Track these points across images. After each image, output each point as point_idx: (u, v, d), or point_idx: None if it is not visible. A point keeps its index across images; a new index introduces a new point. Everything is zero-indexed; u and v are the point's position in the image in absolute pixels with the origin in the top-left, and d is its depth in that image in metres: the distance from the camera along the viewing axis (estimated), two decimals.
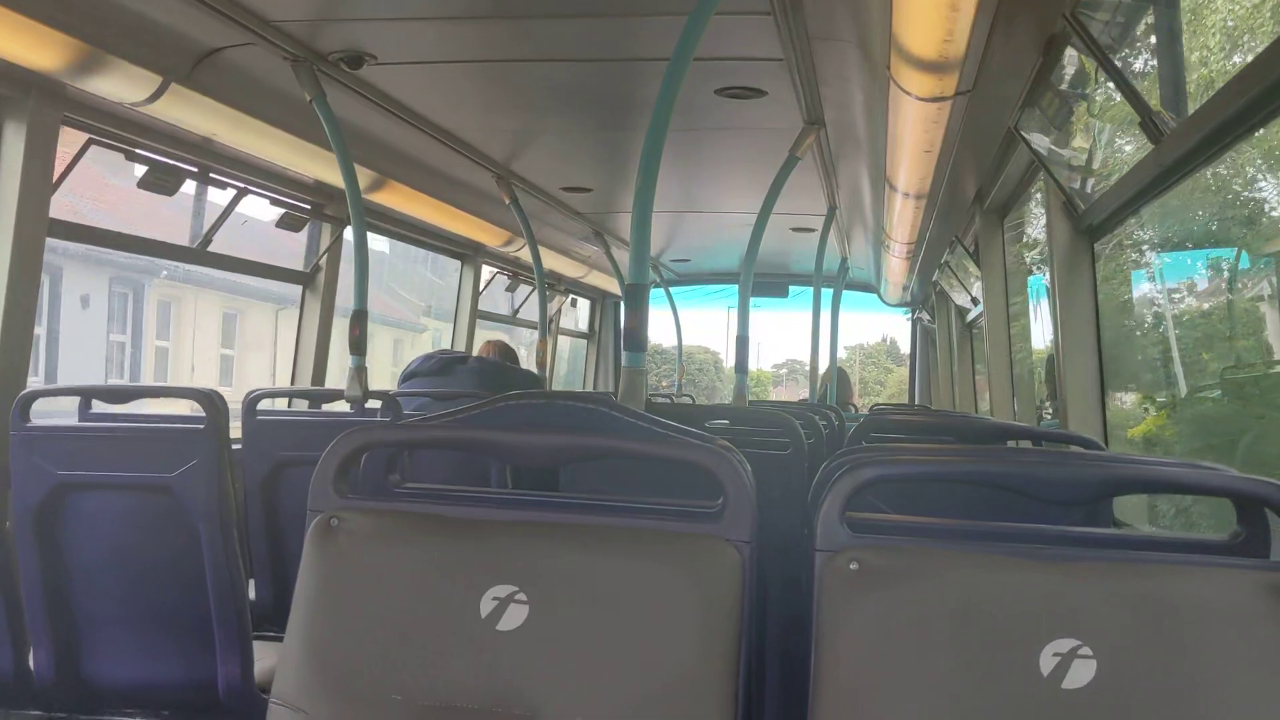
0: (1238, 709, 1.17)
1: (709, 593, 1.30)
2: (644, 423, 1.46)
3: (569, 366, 10.52)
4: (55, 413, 3.14)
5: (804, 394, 7.02)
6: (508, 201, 5.42)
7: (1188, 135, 2.13)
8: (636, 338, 2.53)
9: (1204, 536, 1.35)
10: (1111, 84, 2.40)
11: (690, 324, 10.51)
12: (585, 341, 10.25)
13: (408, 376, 4.57)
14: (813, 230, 6.37)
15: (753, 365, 4.64)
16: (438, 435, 1.49)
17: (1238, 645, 1.19)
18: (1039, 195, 4.08)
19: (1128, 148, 2.77)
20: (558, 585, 1.32)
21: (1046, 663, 1.20)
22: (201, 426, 2.59)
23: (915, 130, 3.40)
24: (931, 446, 1.57)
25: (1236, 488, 1.30)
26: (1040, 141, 3.16)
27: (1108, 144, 2.99)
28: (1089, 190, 3.09)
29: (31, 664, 2.68)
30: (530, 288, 7.88)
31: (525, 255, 6.53)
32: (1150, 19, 2.40)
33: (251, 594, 3.30)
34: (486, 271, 7.25)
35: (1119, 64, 2.38)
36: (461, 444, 1.47)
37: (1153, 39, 2.35)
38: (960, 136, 3.51)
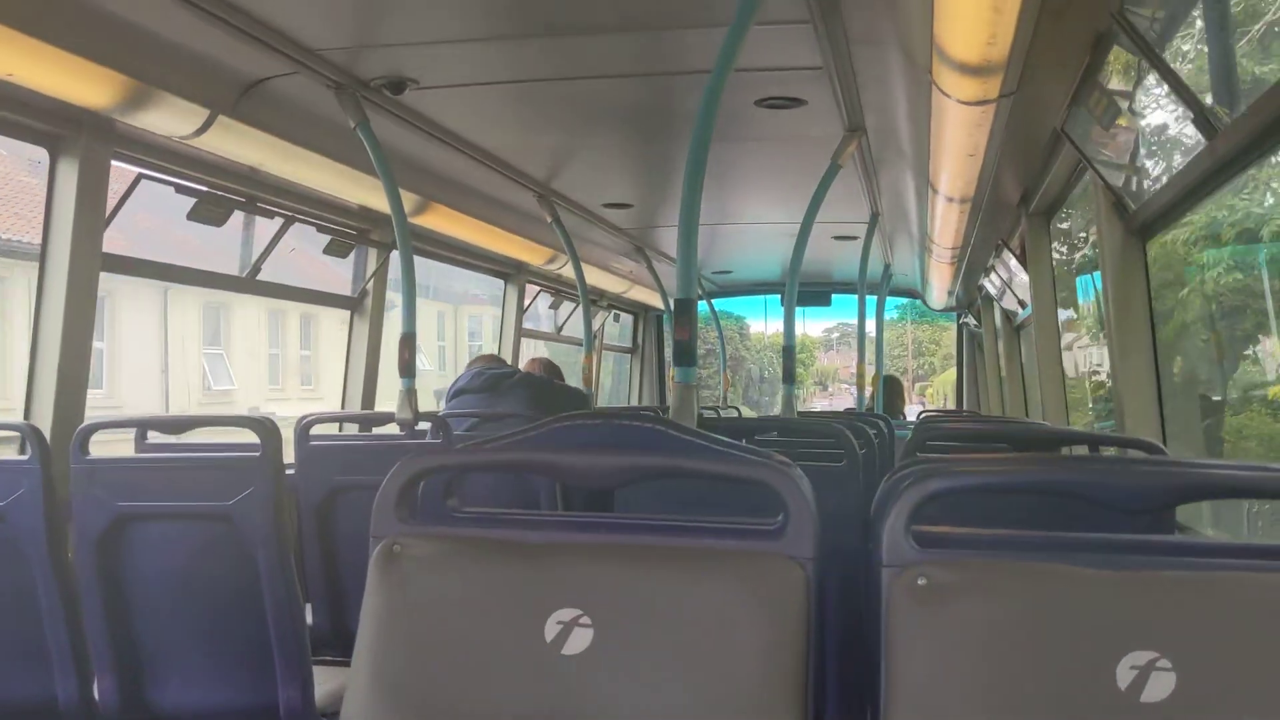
0: None
1: (774, 612, 1.28)
2: (700, 440, 1.46)
3: (613, 381, 10.53)
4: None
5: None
6: (549, 220, 5.44)
7: (1242, 130, 2.09)
8: (686, 352, 2.53)
9: None
10: (1162, 81, 2.36)
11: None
12: (628, 356, 10.27)
13: (456, 394, 4.59)
14: (855, 239, 6.34)
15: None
16: (498, 459, 1.49)
17: None
18: (1086, 194, 4.02)
19: (1182, 143, 2.71)
20: (621, 608, 1.32)
21: (1124, 675, 1.17)
22: (257, 455, 2.62)
23: (958, 134, 3.36)
24: (993, 457, 1.55)
25: None
26: (1088, 142, 3.12)
27: (1159, 142, 2.95)
28: (1139, 189, 3.04)
29: (96, 693, 2.71)
30: (574, 304, 7.90)
31: (567, 272, 6.55)
32: (1199, 13, 2.36)
33: (309, 619, 3.32)
34: (530, 289, 7.29)
35: (1169, 60, 2.34)
36: (521, 466, 1.48)
37: (1203, 33, 2.32)
38: (1004, 139, 3.47)
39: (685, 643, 1.28)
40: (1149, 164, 2.99)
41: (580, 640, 1.31)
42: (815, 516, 1.33)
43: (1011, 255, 5.56)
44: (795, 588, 1.29)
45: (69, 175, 3.29)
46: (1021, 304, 6.23)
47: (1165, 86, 2.37)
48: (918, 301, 10.37)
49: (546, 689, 1.30)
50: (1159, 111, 2.76)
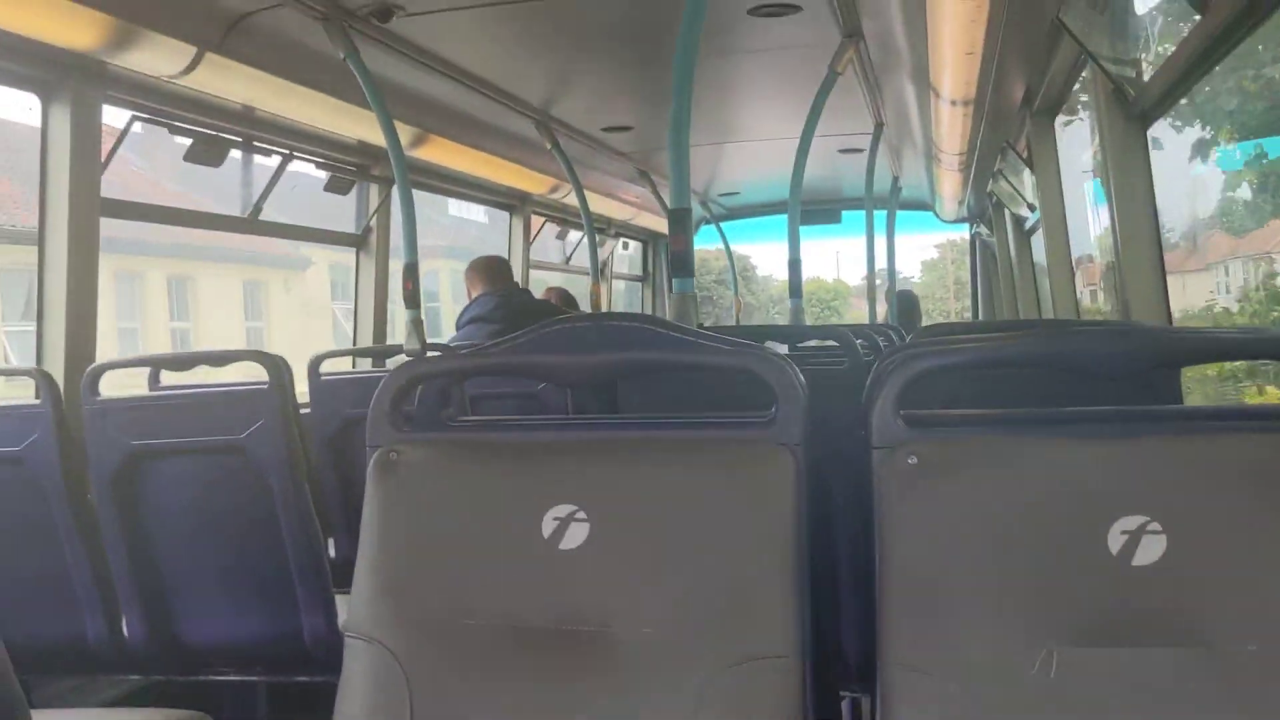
0: None
1: (764, 496, 1.29)
2: (691, 337, 1.46)
3: (626, 309, 10.52)
4: None
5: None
6: (549, 147, 5.40)
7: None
8: (683, 262, 2.52)
9: (1272, 405, 1.32)
10: None
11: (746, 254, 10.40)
12: (640, 285, 10.25)
13: (468, 321, 4.47)
14: (860, 151, 6.27)
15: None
16: (489, 362, 1.50)
17: None
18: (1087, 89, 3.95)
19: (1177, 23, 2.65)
20: (616, 501, 1.33)
21: (1115, 541, 1.18)
22: (266, 387, 2.64)
23: (956, 31, 3.31)
24: (984, 337, 1.55)
25: None
26: (1086, 30, 3.06)
27: (1155, 24, 2.89)
28: (1137, 76, 2.99)
29: (125, 630, 2.76)
30: (581, 233, 7.87)
31: (573, 200, 6.51)
32: None
33: (330, 551, 3.36)
34: (536, 221, 7.25)
35: None
36: (512, 369, 1.48)
37: None
38: (1003, 33, 3.41)
39: (678, 530, 1.30)
40: (1146, 48, 2.93)
41: (577, 535, 1.32)
42: (805, 402, 1.34)
43: (1019, 158, 5.50)
44: (784, 471, 1.30)
45: (61, 120, 3.28)
46: (1031, 207, 6.17)
47: None
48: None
49: (544, 584, 1.31)
50: None
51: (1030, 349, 1.34)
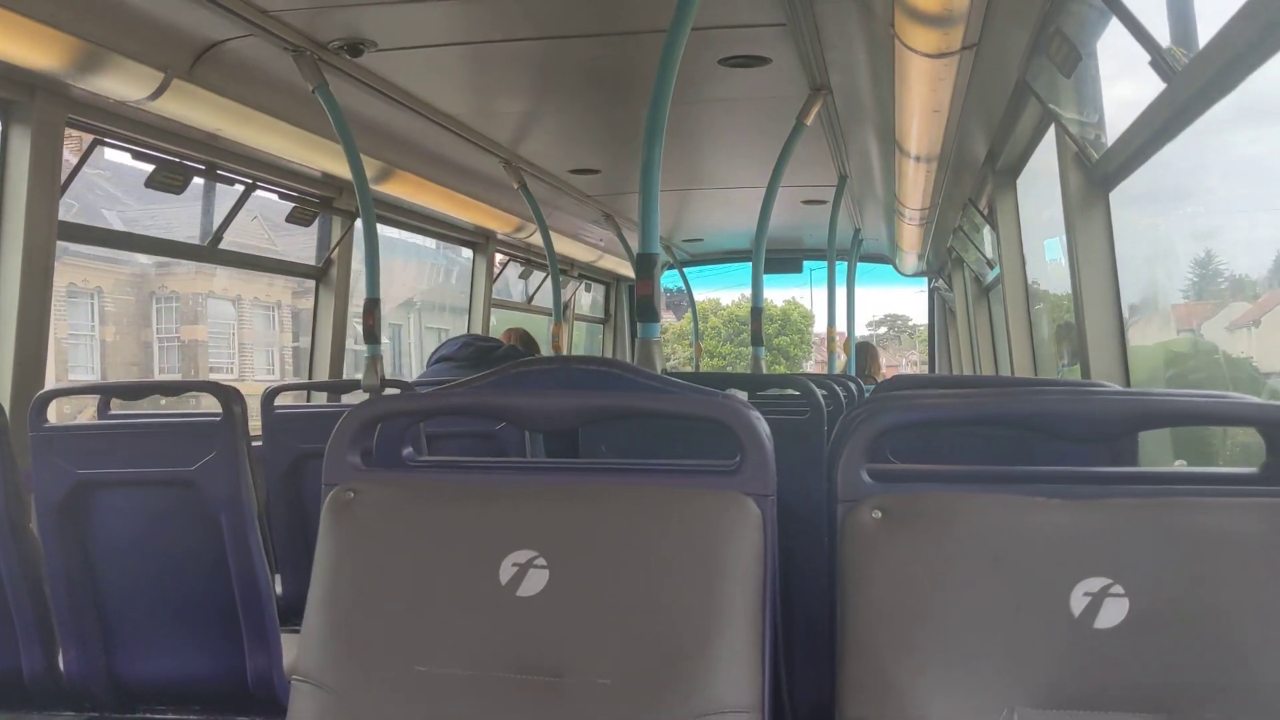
0: (1278, 643, 1.14)
1: (730, 549, 1.28)
2: (657, 383, 1.45)
3: (586, 351, 10.51)
4: None
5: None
6: (517, 187, 5.41)
7: (1200, 71, 2.09)
8: (649, 308, 2.52)
9: (1234, 470, 1.32)
10: (1120, 23, 2.35)
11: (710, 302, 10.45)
12: (600, 327, 10.25)
13: (437, 360, 4.55)
14: (824, 202, 6.33)
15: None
16: (452, 402, 1.48)
17: (1275, 577, 1.16)
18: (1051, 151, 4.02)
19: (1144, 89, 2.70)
20: (577, 548, 1.31)
21: (1078, 602, 1.18)
22: (218, 419, 2.59)
23: (923, 89, 3.35)
24: (949, 392, 1.54)
25: (1265, 416, 1.27)
26: (1050, 92, 3.12)
27: (1120, 90, 2.95)
28: (1100, 139, 3.04)
29: (61, 663, 2.68)
30: (544, 273, 7.87)
31: (537, 240, 6.51)
32: None
33: (278, 588, 3.30)
34: (499, 259, 7.25)
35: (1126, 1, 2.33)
36: (476, 410, 1.46)
37: None
38: (969, 93, 3.46)
39: (640, 581, 1.28)
40: (1109, 112, 2.98)
41: (536, 581, 1.30)
42: (771, 454, 1.33)
43: (980, 215, 5.57)
44: (751, 524, 1.28)
45: (21, 141, 3.23)
46: (990, 264, 6.25)
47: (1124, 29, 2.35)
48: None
49: (503, 631, 1.29)
50: (1118, 57, 2.76)
51: (998, 409, 1.34)
